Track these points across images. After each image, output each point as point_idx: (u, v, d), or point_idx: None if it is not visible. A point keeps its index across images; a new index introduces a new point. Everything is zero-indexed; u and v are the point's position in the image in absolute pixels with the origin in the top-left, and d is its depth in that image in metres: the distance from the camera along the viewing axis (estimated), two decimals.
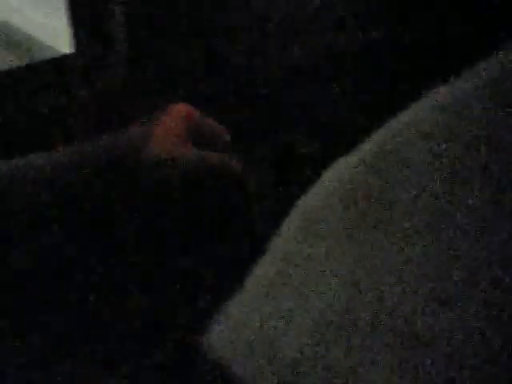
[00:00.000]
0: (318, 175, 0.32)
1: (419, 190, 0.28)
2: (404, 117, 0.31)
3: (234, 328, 0.30)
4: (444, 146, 0.28)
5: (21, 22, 2.64)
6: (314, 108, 0.78)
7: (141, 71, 0.74)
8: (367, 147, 0.31)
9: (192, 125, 0.68)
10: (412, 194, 0.28)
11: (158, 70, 0.74)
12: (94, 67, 0.72)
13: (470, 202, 0.26)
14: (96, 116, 0.73)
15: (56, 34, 2.60)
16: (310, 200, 0.32)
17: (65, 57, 0.73)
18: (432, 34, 0.68)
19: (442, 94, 0.31)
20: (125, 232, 0.63)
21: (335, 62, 0.76)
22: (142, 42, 0.72)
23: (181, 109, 0.68)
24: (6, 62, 2.40)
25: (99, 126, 0.70)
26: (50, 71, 0.71)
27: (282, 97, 0.78)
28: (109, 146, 0.64)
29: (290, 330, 0.28)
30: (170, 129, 0.66)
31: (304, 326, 0.27)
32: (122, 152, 0.64)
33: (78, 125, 0.71)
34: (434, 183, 0.27)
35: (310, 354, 0.26)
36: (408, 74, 0.70)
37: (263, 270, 0.31)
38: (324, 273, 0.28)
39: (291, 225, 0.32)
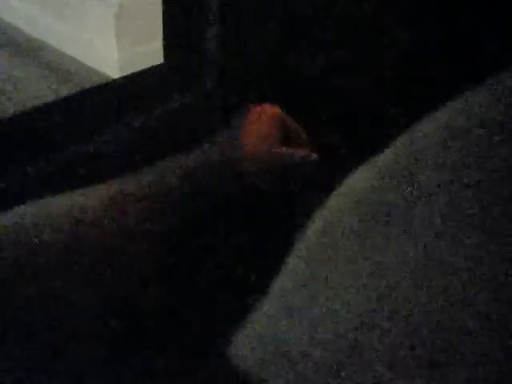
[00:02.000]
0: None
1: (436, 198, 0.28)
2: (420, 126, 0.31)
3: (259, 337, 0.30)
4: (460, 155, 0.28)
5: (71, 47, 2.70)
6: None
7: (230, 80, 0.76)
8: (385, 156, 0.31)
9: (281, 124, 0.71)
10: (429, 203, 0.28)
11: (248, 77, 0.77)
12: (184, 78, 0.74)
13: (487, 211, 0.26)
14: (185, 125, 0.75)
15: (104, 59, 2.64)
16: (329, 209, 0.32)
17: (153, 68, 0.75)
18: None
19: (460, 103, 0.31)
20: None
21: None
22: (233, 53, 0.74)
23: (270, 109, 0.71)
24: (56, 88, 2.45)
25: (191, 133, 0.73)
26: (140, 83, 0.74)
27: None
28: (205, 152, 0.67)
29: (315, 337, 0.28)
30: (261, 128, 0.69)
31: (328, 333, 0.27)
32: (218, 155, 0.67)
33: (172, 135, 0.73)
34: (451, 192, 0.27)
35: (337, 363, 0.26)
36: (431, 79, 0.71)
37: (286, 277, 0.31)
38: (346, 280, 0.28)
39: (313, 232, 0.32)
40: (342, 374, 0.26)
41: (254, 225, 0.71)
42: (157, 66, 0.75)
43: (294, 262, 0.32)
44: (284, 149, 0.69)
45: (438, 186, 0.28)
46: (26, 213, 0.52)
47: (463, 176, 0.28)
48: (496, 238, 0.26)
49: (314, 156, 0.72)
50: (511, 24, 0.64)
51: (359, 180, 0.32)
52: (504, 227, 0.26)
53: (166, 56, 0.74)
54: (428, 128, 0.31)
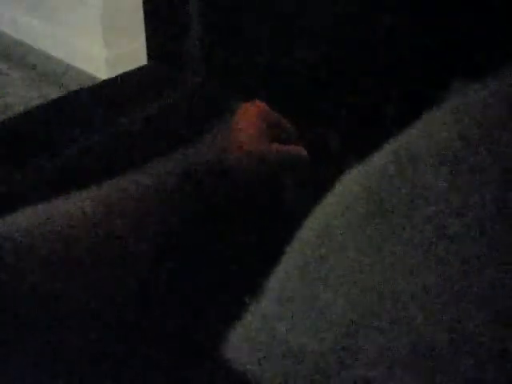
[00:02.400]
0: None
1: (434, 197, 0.28)
2: (419, 125, 0.31)
3: (257, 336, 0.30)
4: (460, 154, 0.28)
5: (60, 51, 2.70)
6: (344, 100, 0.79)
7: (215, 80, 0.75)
8: (383, 155, 0.31)
9: (268, 121, 0.70)
10: (427, 200, 0.28)
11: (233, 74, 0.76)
12: (170, 77, 0.74)
13: (486, 209, 0.26)
14: (172, 125, 0.75)
15: (92, 61, 2.63)
16: (327, 206, 0.32)
17: (139, 69, 0.75)
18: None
19: (459, 101, 0.31)
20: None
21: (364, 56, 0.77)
22: (217, 55, 0.74)
23: (258, 106, 0.70)
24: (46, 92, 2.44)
25: (178, 135, 0.72)
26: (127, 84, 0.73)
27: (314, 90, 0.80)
28: (195, 152, 0.66)
29: (310, 336, 0.28)
30: (249, 126, 0.69)
31: (327, 333, 0.27)
32: (208, 155, 0.67)
33: (161, 135, 0.72)
34: (450, 191, 0.27)
35: (332, 360, 0.26)
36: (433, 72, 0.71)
37: (281, 276, 0.31)
38: (342, 278, 0.28)
39: (308, 231, 0.32)
40: (341, 373, 0.26)
41: (249, 224, 0.70)
42: (143, 67, 0.75)
43: (291, 262, 0.32)
44: (274, 146, 0.69)
45: (437, 185, 0.28)
46: (21, 218, 0.52)
47: (463, 175, 0.28)
48: (496, 238, 0.26)
49: (305, 153, 0.72)
50: (511, 22, 0.64)
51: (357, 179, 0.32)
52: (505, 227, 0.26)
53: (149, 56, 0.74)
54: (427, 127, 0.31)
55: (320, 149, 0.77)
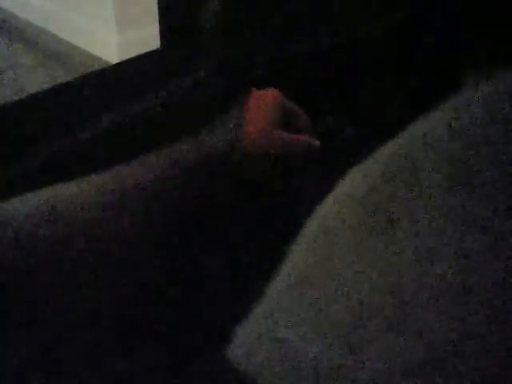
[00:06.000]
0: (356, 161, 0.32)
1: (432, 196, 0.28)
2: (419, 125, 0.31)
3: (258, 337, 0.30)
4: (459, 153, 0.28)
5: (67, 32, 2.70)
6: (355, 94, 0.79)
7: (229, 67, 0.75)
8: (382, 154, 0.31)
9: (283, 109, 0.70)
10: (427, 201, 0.28)
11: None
12: (182, 63, 0.73)
13: (483, 208, 0.26)
14: (184, 112, 0.74)
15: (103, 45, 2.64)
16: (328, 206, 0.32)
17: (152, 53, 0.74)
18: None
19: (458, 101, 0.31)
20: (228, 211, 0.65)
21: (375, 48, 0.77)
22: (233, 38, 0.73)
23: (272, 94, 0.70)
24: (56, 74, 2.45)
25: (188, 122, 0.71)
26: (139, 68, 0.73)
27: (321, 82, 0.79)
28: (206, 140, 0.65)
29: (311, 337, 0.28)
30: (263, 114, 0.68)
31: (326, 333, 0.27)
32: (220, 143, 0.66)
33: (172, 121, 0.72)
34: (447, 190, 0.27)
35: (334, 362, 0.26)
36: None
37: (284, 277, 0.31)
38: (343, 279, 0.28)
39: (309, 232, 0.32)
40: (340, 373, 0.26)
41: (255, 219, 0.70)
42: (155, 51, 0.74)
43: (293, 262, 0.31)
44: (286, 134, 0.68)
45: (439, 185, 0.28)
46: (22, 203, 0.51)
47: (464, 175, 0.28)
48: (497, 237, 0.26)
49: (317, 142, 0.72)
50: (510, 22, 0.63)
51: (358, 180, 0.32)
52: (506, 226, 0.26)
53: (162, 41, 0.73)
54: (428, 126, 0.31)
55: (331, 139, 0.77)
